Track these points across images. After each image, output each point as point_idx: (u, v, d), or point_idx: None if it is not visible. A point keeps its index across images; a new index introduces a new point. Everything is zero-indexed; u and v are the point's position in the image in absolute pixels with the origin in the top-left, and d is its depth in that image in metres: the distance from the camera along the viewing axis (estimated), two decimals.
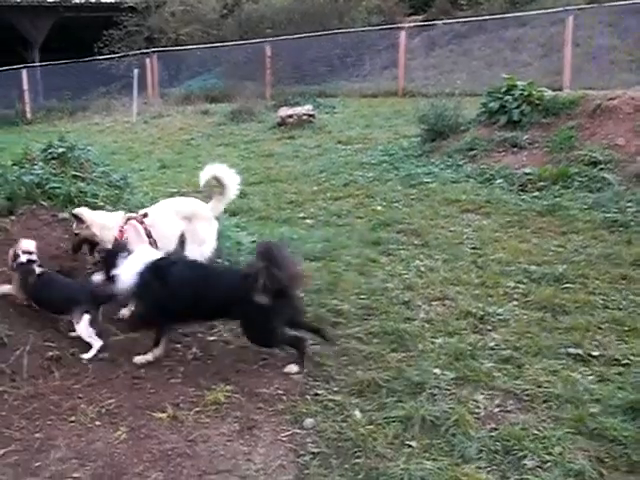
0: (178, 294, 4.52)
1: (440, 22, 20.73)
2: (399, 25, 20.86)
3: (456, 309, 5.31)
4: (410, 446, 3.59)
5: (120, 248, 4.84)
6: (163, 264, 4.71)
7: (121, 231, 5.37)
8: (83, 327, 4.66)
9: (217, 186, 5.81)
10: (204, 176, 5.70)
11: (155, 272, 4.61)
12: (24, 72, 23.13)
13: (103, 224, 5.40)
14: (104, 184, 6.77)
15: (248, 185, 9.63)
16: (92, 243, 5.42)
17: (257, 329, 4.53)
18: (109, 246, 5.27)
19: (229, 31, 25.46)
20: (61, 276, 5.11)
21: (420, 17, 23.35)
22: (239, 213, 8.10)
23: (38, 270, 4.90)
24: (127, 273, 4.61)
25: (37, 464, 3.56)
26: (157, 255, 4.82)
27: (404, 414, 3.83)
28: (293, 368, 4.45)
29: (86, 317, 4.66)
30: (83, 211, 5.45)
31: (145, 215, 5.56)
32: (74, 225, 5.45)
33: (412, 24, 21.54)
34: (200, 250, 5.49)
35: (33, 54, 27.20)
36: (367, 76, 21.35)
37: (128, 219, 5.49)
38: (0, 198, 5.92)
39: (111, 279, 4.68)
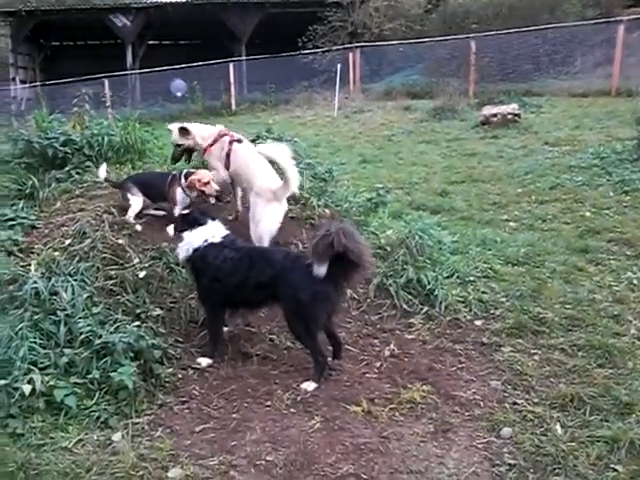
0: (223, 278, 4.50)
1: None
2: (617, 18, 19.52)
3: None
4: (615, 470, 3.41)
5: (197, 216, 4.78)
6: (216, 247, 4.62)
7: (211, 144, 5.75)
8: None
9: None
10: (263, 149, 5.32)
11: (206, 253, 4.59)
12: (231, 65, 24.45)
13: (202, 135, 5.83)
14: (309, 176, 7.01)
15: (450, 184, 9.62)
16: (190, 152, 6.03)
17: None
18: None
19: (433, 27, 25.25)
20: None
21: None
22: (440, 212, 8.05)
23: None
24: (186, 245, 4.67)
25: (233, 443, 3.75)
26: (219, 235, 4.69)
27: (610, 435, 3.64)
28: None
29: None
30: (188, 125, 5.92)
31: (240, 140, 5.72)
32: (175, 137, 5.91)
33: (632, 16, 20.06)
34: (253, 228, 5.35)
35: (240, 48, 28.58)
36: (577, 74, 20.27)
37: (223, 135, 5.77)
38: None
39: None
